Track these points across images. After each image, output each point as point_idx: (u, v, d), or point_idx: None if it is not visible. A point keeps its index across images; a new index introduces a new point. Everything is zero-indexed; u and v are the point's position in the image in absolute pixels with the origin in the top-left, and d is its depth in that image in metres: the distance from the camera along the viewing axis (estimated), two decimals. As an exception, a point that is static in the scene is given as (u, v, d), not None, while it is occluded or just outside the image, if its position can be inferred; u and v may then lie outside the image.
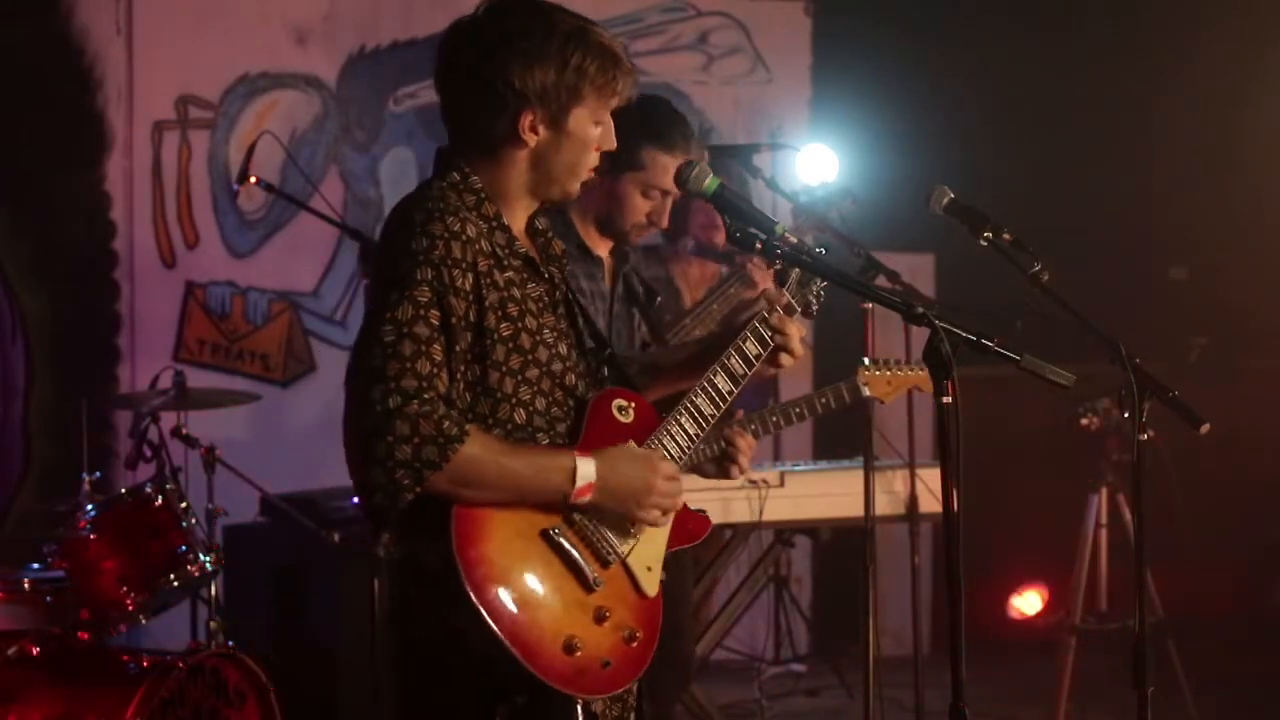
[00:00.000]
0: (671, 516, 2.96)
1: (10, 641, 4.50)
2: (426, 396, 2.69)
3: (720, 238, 5.57)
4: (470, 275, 2.78)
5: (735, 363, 3.08)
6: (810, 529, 6.15)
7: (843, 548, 6.48)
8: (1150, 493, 3.64)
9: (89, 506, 4.86)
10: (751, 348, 3.10)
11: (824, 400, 4.53)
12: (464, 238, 2.78)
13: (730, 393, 3.06)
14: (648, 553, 2.93)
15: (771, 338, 3.09)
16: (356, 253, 5.60)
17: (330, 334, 7.37)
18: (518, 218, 2.95)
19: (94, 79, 6.95)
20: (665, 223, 4.15)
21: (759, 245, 3.00)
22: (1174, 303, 7.76)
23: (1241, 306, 7.41)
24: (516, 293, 2.84)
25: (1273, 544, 7.28)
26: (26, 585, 4.71)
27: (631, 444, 2.93)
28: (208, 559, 4.98)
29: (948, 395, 2.76)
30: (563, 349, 2.91)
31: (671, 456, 2.98)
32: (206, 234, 7.19)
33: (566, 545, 2.81)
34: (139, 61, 7.01)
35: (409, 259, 2.75)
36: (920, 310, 2.86)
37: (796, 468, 5.93)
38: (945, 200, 3.67)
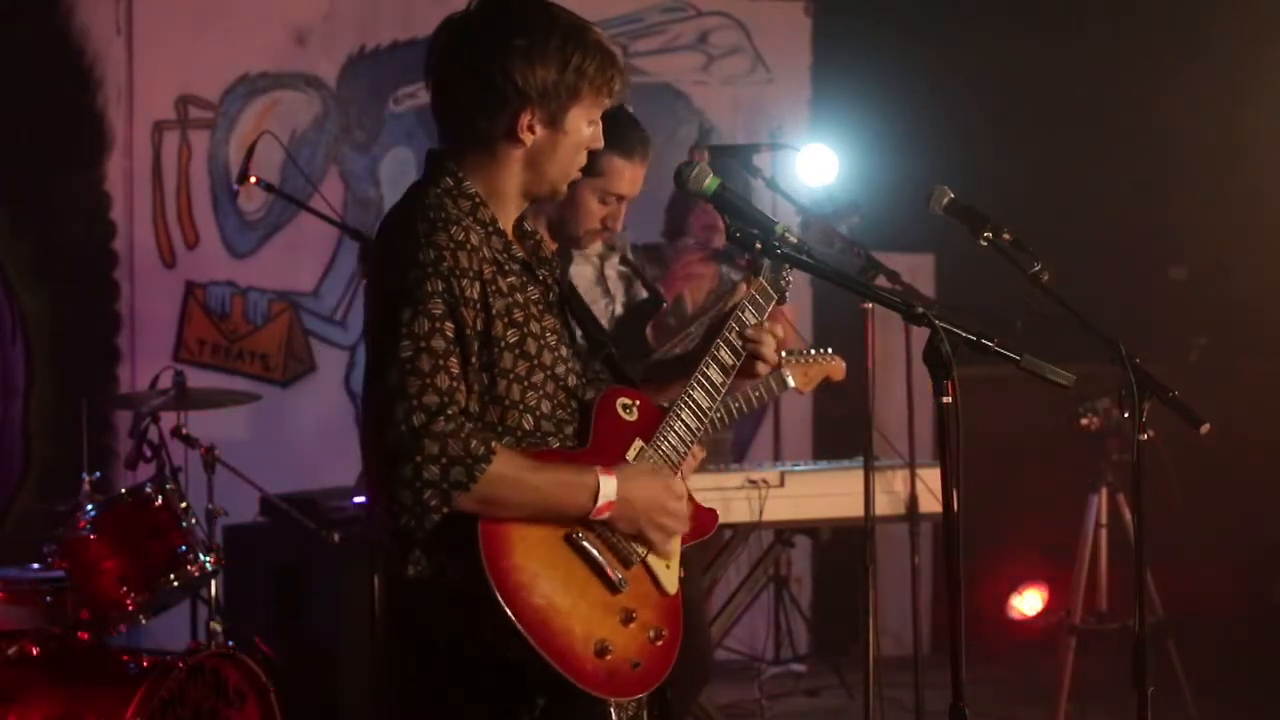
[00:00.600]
0: (677, 539, 2.95)
1: (10, 641, 4.50)
2: (450, 413, 2.67)
3: (720, 239, 5.58)
4: (477, 284, 2.76)
5: (725, 354, 3.06)
6: (810, 529, 6.15)
7: (843, 548, 6.50)
8: (1150, 493, 3.64)
9: (89, 506, 4.86)
10: (736, 339, 3.10)
11: (757, 394, 4.53)
12: (469, 247, 2.77)
13: (723, 384, 3.05)
14: (665, 550, 2.94)
15: (743, 347, 3.07)
16: (356, 253, 5.59)
17: (330, 334, 7.37)
18: (509, 219, 2.93)
19: (94, 79, 6.95)
20: (619, 227, 4.12)
21: (759, 245, 3.00)
22: (1174, 303, 7.75)
23: (1241, 306, 7.41)
24: (520, 297, 2.84)
25: (1273, 544, 7.27)
26: (26, 585, 4.72)
27: (647, 449, 2.93)
28: (208, 559, 4.98)
29: (948, 395, 2.76)
30: (564, 351, 2.90)
31: (679, 451, 2.98)
32: (206, 234, 7.19)
33: (589, 548, 2.81)
34: (139, 61, 7.01)
35: (417, 270, 2.72)
36: (920, 310, 2.86)
37: (796, 468, 5.93)
38: (945, 200, 3.67)
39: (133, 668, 4.55)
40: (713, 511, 3.10)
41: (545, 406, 2.85)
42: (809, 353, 4.63)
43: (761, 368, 3.12)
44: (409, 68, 7.34)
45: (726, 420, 4.51)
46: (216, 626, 5.13)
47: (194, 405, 5.55)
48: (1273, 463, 7.01)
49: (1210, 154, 7.37)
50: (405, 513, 2.66)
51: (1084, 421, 6.12)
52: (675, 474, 2.98)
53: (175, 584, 4.91)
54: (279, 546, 6.04)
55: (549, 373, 2.85)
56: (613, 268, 4.61)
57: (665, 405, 3.03)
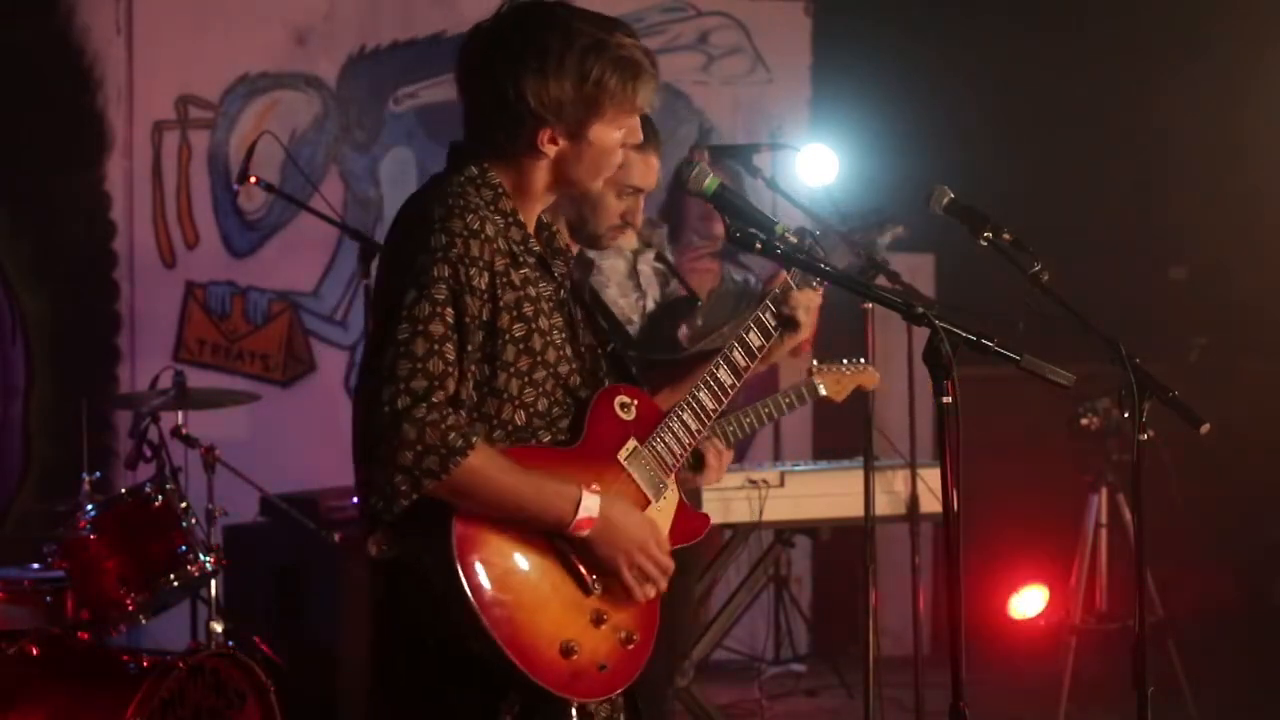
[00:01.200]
0: (652, 591, 2.87)
1: (10, 641, 4.50)
2: (435, 400, 2.66)
3: (718, 226, 5.56)
4: (487, 274, 2.75)
5: (738, 355, 3.08)
6: (810, 529, 6.15)
7: (843, 548, 6.50)
8: (1150, 493, 3.64)
9: (89, 506, 4.86)
10: (755, 339, 3.11)
11: (788, 400, 4.52)
12: (483, 236, 2.76)
13: (733, 386, 3.06)
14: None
15: (775, 328, 3.09)
16: (356, 253, 5.59)
17: (330, 334, 7.37)
18: (532, 214, 2.92)
19: (94, 79, 6.95)
20: (639, 221, 4.09)
21: (759, 245, 3.00)
22: (1174, 303, 7.75)
23: (1241, 306, 7.40)
24: (532, 291, 2.82)
25: (1273, 544, 7.27)
26: (26, 585, 4.72)
27: (640, 448, 2.92)
28: (208, 559, 4.98)
29: (948, 395, 2.76)
30: (569, 350, 2.89)
31: (674, 452, 2.97)
32: (206, 234, 7.19)
33: (565, 547, 2.79)
34: (139, 61, 7.01)
35: (427, 255, 2.72)
36: (920, 310, 2.86)
37: (796, 468, 5.94)
38: (945, 200, 3.67)
39: (133, 668, 4.55)
40: (704, 516, 3.08)
41: (542, 404, 2.84)
42: (843, 362, 4.61)
43: (791, 341, 3.14)
44: (409, 68, 7.34)
45: (757, 425, 4.48)
46: (216, 626, 5.13)
47: (194, 405, 5.56)
48: (1273, 463, 7.01)
49: (1210, 154, 7.36)
50: (374, 493, 2.66)
51: (1084, 421, 6.12)
52: (669, 477, 2.97)
53: (175, 584, 4.91)
54: (279, 546, 6.05)
55: (551, 370, 2.84)
56: (647, 263, 4.58)
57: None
